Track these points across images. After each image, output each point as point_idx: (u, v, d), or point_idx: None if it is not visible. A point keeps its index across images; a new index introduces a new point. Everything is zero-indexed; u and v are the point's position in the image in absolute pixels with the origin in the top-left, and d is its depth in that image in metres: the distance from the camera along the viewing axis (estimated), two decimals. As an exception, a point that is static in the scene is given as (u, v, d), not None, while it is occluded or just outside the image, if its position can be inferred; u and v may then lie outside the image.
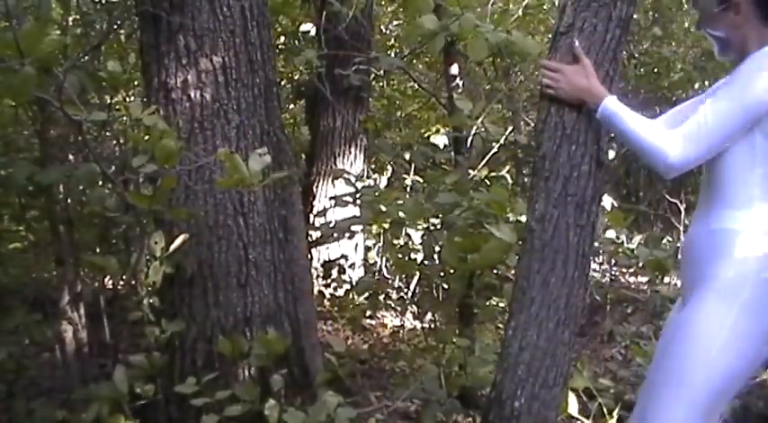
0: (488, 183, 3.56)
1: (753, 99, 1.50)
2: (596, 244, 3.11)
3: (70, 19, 2.67)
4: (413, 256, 3.36)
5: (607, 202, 3.54)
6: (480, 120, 3.17)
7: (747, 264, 1.51)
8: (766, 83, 1.49)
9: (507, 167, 4.92)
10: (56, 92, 1.70)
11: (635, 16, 1.86)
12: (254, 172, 1.74)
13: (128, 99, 3.54)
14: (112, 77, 2.00)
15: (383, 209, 2.98)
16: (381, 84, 5.60)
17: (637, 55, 6.08)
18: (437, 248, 2.95)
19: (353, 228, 3.76)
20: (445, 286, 3.21)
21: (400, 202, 2.88)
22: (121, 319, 2.68)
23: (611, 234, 3.39)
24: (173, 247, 2.08)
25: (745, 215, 1.54)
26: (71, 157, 2.72)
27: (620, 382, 3.29)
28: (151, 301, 2.14)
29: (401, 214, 2.79)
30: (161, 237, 2.08)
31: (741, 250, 1.52)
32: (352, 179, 3.68)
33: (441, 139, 4.49)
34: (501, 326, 3.26)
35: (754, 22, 1.57)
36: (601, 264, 4.89)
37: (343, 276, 4.41)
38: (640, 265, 4.41)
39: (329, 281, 4.40)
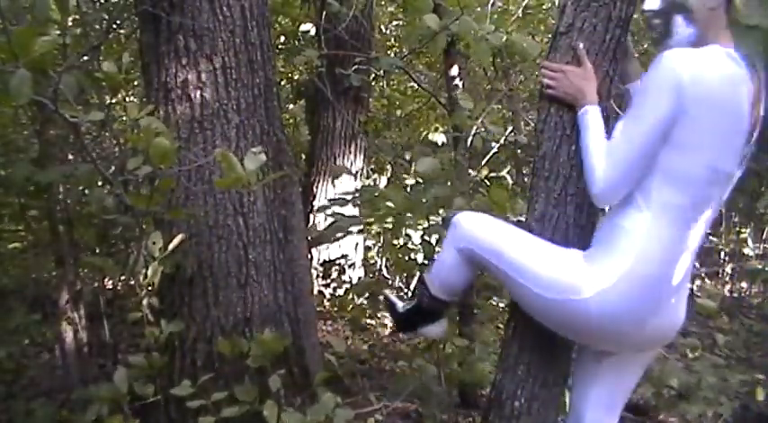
0: (488, 183, 3.56)
1: (656, 118, 1.47)
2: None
3: (69, 19, 2.66)
4: (413, 256, 3.36)
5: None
6: (480, 120, 3.17)
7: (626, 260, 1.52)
8: (666, 99, 1.45)
9: (507, 167, 4.92)
10: (53, 93, 1.69)
11: (635, 16, 1.86)
12: (249, 171, 1.73)
13: (127, 99, 3.54)
14: (110, 78, 1.99)
15: (385, 205, 2.97)
16: (381, 84, 5.60)
17: (637, 55, 6.05)
18: (437, 248, 2.95)
19: (351, 227, 3.76)
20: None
21: (390, 203, 2.87)
22: (121, 319, 2.68)
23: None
24: (171, 247, 2.07)
25: (636, 215, 1.53)
26: (70, 157, 2.72)
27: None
28: (151, 301, 2.13)
29: (392, 205, 2.77)
30: (159, 237, 2.08)
31: (624, 246, 1.52)
32: (352, 178, 3.68)
33: (439, 137, 4.49)
34: (501, 326, 3.26)
35: (717, 12, 1.55)
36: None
37: (343, 276, 4.41)
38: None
39: (329, 281, 4.40)
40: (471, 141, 3.19)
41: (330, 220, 4.14)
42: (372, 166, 5.03)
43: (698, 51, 1.47)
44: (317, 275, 4.32)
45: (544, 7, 5.70)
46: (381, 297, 2.38)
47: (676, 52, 1.47)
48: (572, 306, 1.53)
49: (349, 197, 3.24)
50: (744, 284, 4.81)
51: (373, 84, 4.92)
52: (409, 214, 2.80)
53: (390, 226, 3.28)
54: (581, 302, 1.52)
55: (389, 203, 2.75)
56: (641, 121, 1.49)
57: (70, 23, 2.60)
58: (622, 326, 1.53)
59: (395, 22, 6.42)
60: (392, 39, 6.46)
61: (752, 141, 1.55)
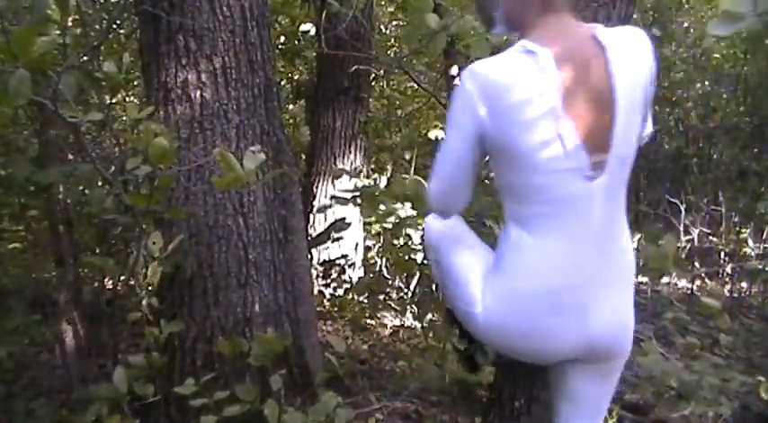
0: (488, 182, 3.55)
1: (460, 138, 1.44)
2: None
3: (69, 19, 2.66)
4: (413, 255, 3.36)
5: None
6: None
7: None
8: (466, 119, 1.41)
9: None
10: (52, 93, 1.69)
11: (635, 16, 1.86)
12: (248, 170, 1.73)
13: (127, 99, 3.54)
14: (109, 78, 2.00)
15: (382, 207, 2.97)
16: (381, 84, 5.60)
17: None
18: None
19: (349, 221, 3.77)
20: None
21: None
22: (121, 319, 2.68)
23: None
24: (170, 247, 2.07)
25: (506, 232, 1.50)
26: (70, 157, 2.72)
27: (619, 382, 3.29)
28: (150, 301, 2.13)
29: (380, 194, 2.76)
30: (159, 237, 2.08)
31: (501, 264, 1.50)
32: (352, 178, 3.69)
33: (439, 134, 4.48)
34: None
35: (534, 6, 1.45)
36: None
37: (343, 276, 4.41)
38: (641, 264, 4.41)
39: (329, 281, 4.40)
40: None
41: (330, 219, 4.15)
42: (372, 166, 5.03)
43: (491, 61, 1.39)
44: (317, 275, 4.32)
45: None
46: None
47: (470, 68, 1.41)
48: (471, 318, 1.54)
49: (349, 196, 3.24)
50: (744, 284, 4.80)
51: (373, 84, 4.92)
52: (411, 212, 2.80)
53: (390, 226, 3.28)
54: (475, 315, 1.52)
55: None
56: (448, 139, 1.48)
57: (70, 23, 2.59)
58: (510, 340, 1.51)
59: (395, 22, 6.42)
60: (392, 39, 6.47)
61: (622, 115, 1.38)
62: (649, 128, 1.60)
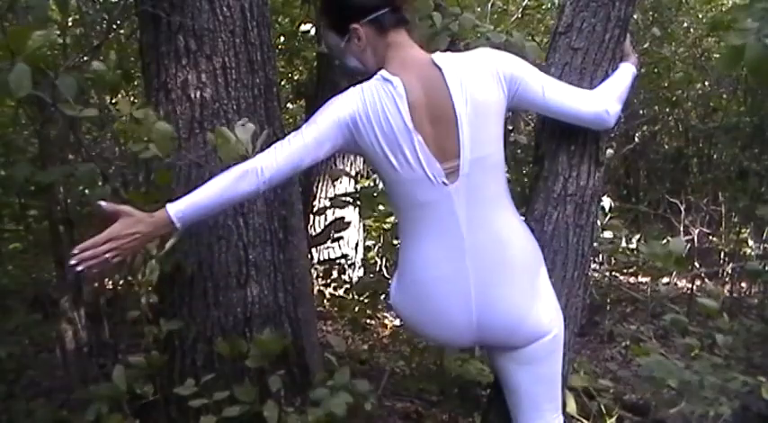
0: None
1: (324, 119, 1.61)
2: (596, 244, 3.11)
3: (70, 19, 2.67)
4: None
5: (607, 202, 3.54)
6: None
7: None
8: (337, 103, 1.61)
9: (507, 167, 4.91)
10: (52, 90, 1.69)
11: (635, 16, 1.86)
12: (243, 139, 1.78)
13: (128, 99, 3.54)
14: (100, 77, 1.99)
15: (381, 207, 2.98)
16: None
17: (637, 54, 6.06)
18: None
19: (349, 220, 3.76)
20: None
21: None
22: (121, 319, 2.68)
23: (609, 234, 3.39)
24: (168, 245, 2.07)
25: (399, 231, 1.72)
26: (71, 156, 2.72)
27: (619, 382, 3.30)
28: (150, 300, 2.13)
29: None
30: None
31: (399, 259, 1.71)
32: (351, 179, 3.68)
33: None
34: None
35: (373, 40, 1.64)
36: (601, 264, 4.89)
37: (343, 276, 4.41)
38: (641, 264, 4.41)
39: (329, 281, 4.40)
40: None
41: (329, 220, 4.15)
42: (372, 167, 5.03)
43: (362, 86, 1.60)
44: (317, 275, 4.32)
45: (543, 7, 5.71)
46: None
47: (351, 90, 1.61)
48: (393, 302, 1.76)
49: (347, 198, 3.24)
50: (744, 284, 4.80)
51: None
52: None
53: (390, 226, 3.29)
54: (393, 304, 1.75)
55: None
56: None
57: (70, 23, 2.60)
58: (416, 326, 1.73)
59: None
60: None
61: (467, 123, 1.57)
62: (609, 106, 1.71)
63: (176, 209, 1.54)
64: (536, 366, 1.70)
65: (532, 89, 1.63)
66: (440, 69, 1.58)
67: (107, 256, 1.53)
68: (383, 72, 1.59)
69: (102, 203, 1.59)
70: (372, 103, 1.57)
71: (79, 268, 1.52)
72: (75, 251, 1.52)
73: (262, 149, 1.63)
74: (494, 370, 1.82)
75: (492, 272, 1.62)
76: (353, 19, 1.63)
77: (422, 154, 1.56)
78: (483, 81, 1.59)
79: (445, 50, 1.69)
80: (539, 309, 1.65)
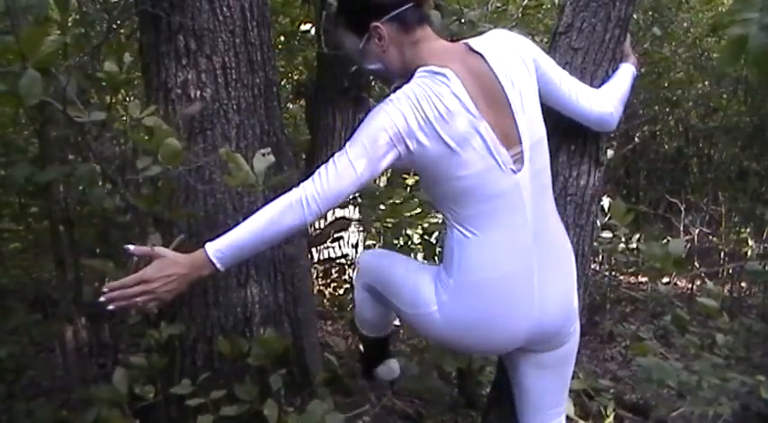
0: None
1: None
2: (596, 244, 3.11)
3: (70, 19, 2.66)
4: (413, 255, 3.35)
5: (606, 202, 3.54)
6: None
7: None
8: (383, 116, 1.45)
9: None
10: (59, 93, 1.69)
11: (635, 16, 1.86)
12: (259, 172, 1.74)
13: (128, 99, 3.54)
14: (110, 78, 1.99)
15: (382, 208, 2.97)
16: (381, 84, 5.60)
17: (637, 55, 6.06)
18: (438, 249, 2.95)
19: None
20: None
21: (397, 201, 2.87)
22: (121, 319, 2.68)
23: (608, 234, 3.39)
24: (171, 248, 2.07)
25: (451, 233, 1.58)
26: (71, 156, 2.72)
27: (619, 382, 3.30)
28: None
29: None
30: (158, 239, 2.08)
31: (452, 261, 1.58)
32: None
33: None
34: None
35: (396, 38, 1.54)
36: (601, 264, 4.89)
37: (344, 276, 4.41)
38: (641, 264, 4.41)
39: (329, 281, 4.40)
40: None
41: (329, 219, 4.15)
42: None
43: (395, 101, 1.45)
44: (317, 275, 4.32)
45: (543, 7, 5.70)
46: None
47: (401, 92, 1.46)
48: (427, 319, 1.60)
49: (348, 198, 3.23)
50: (744, 284, 4.80)
51: (373, 84, 4.92)
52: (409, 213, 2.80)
53: (390, 226, 3.28)
54: (431, 315, 1.59)
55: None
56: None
57: (70, 23, 2.60)
58: (470, 331, 1.58)
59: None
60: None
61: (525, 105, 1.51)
62: (614, 108, 1.71)
63: (215, 248, 1.43)
64: (560, 368, 1.70)
65: (551, 78, 1.60)
66: (481, 55, 1.50)
67: (138, 300, 1.42)
68: (430, 66, 1.48)
69: (131, 247, 1.45)
70: (428, 102, 1.43)
71: (109, 307, 1.44)
72: (105, 289, 1.43)
73: (275, 188, 1.59)
74: (511, 374, 1.76)
75: (551, 264, 1.57)
76: (374, 17, 1.52)
77: (491, 141, 1.46)
78: (517, 64, 1.53)
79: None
80: (575, 298, 1.65)
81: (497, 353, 1.81)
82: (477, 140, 1.45)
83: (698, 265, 4.93)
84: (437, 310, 1.57)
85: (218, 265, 1.43)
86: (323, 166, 1.46)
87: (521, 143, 1.50)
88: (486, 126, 1.45)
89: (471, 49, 1.51)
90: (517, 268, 1.53)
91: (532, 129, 1.52)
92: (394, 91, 1.48)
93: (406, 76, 1.52)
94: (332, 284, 4.38)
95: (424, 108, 1.43)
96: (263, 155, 1.74)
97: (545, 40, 4.93)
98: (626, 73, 1.80)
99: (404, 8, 1.52)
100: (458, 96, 1.44)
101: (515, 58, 1.53)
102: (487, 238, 1.51)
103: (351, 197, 3.31)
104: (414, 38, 1.54)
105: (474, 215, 1.51)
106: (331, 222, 4.00)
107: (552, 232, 1.60)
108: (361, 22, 1.55)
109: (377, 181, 4.71)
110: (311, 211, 1.43)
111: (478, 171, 1.47)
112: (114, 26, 2.65)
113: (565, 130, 1.77)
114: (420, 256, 3.29)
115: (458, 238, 1.54)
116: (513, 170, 1.49)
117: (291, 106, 5.54)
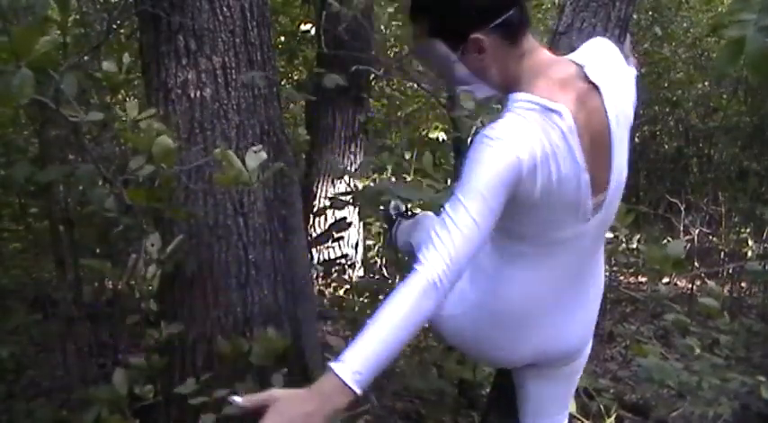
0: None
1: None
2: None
3: (70, 19, 2.67)
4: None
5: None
6: (480, 119, 3.17)
7: None
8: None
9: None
10: (54, 93, 1.69)
11: (635, 16, 1.86)
12: (251, 169, 1.74)
13: (128, 99, 3.54)
14: (109, 78, 1.99)
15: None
16: (381, 84, 5.60)
17: (637, 55, 6.08)
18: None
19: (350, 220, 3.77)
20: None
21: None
22: (121, 319, 2.68)
23: (609, 234, 3.39)
24: (169, 248, 2.07)
25: (493, 259, 1.47)
26: (71, 156, 2.72)
27: (619, 382, 3.30)
28: (149, 305, 2.12)
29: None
30: (158, 239, 2.08)
31: (482, 282, 1.50)
32: (351, 178, 3.68)
33: (440, 135, 4.48)
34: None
35: (500, 52, 1.29)
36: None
37: (344, 276, 4.41)
38: (641, 264, 4.41)
39: (329, 281, 4.40)
40: (471, 141, 3.19)
41: (330, 219, 4.15)
42: (372, 166, 5.03)
43: (519, 124, 1.22)
44: (317, 275, 4.32)
45: (543, 7, 5.70)
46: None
47: (502, 131, 1.21)
48: (435, 320, 1.52)
49: (347, 198, 3.24)
50: (744, 284, 4.80)
51: (373, 84, 4.92)
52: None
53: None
54: (440, 318, 1.51)
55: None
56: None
57: (70, 24, 2.60)
58: (474, 346, 1.55)
59: (395, 22, 6.41)
60: (392, 39, 6.46)
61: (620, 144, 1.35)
62: None
63: (352, 370, 1.13)
64: (567, 379, 1.68)
65: None
66: (596, 86, 1.29)
67: None
68: (545, 101, 1.24)
69: (237, 399, 1.14)
70: (539, 144, 1.21)
71: None
72: None
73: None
74: (515, 378, 1.73)
75: (581, 300, 1.51)
76: (476, 25, 1.25)
77: (583, 193, 1.29)
78: (625, 90, 1.35)
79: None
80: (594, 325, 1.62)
81: (499, 367, 1.81)
82: (571, 191, 1.28)
83: (698, 265, 4.93)
84: (446, 317, 1.49)
85: (358, 390, 1.14)
86: (434, 235, 1.18)
87: (607, 190, 1.34)
88: (585, 177, 1.28)
89: (585, 77, 1.30)
90: (547, 304, 1.44)
91: (621, 172, 1.36)
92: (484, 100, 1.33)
93: (506, 92, 1.32)
94: (332, 284, 4.38)
95: (536, 150, 1.21)
96: (255, 152, 1.74)
97: (545, 40, 4.93)
98: None
99: (509, 14, 1.26)
100: (568, 143, 1.24)
101: (627, 83, 1.36)
102: (531, 274, 1.40)
103: (351, 197, 3.31)
104: (520, 50, 1.30)
105: (528, 253, 1.38)
106: (332, 224, 4.01)
107: (594, 271, 1.51)
108: (457, 32, 1.28)
109: (377, 181, 4.71)
110: (445, 288, 1.17)
111: (556, 219, 1.32)
112: (114, 26, 2.65)
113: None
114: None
115: (498, 263, 1.43)
116: (587, 218, 1.34)
117: (291, 106, 5.54)
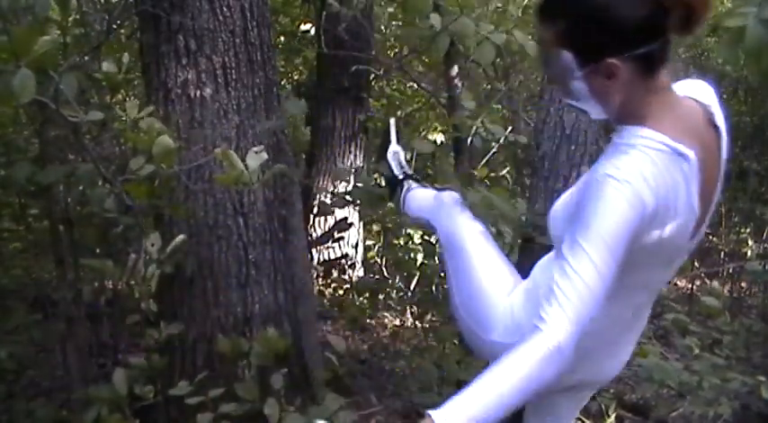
0: (488, 183, 3.56)
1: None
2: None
3: (70, 19, 2.67)
4: (413, 255, 3.36)
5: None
6: (480, 119, 3.17)
7: None
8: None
9: (507, 167, 4.92)
10: (54, 93, 1.69)
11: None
12: (252, 169, 1.74)
13: (128, 99, 3.54)
14: (109, 78, 2.00)
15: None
16: (381, 84, 5.60)
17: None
18: (437, 248, 2.95)
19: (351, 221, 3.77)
20: (445, 286, 3.21)
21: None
22: (121, 319, 2.68)
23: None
24: (169, 248, 2.07)
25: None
26: (71, 156, 2.72)
27: (619, 382, 3.30)
28: (148, 305, 2.12)
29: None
30: (158, 239, 2.08)
31: None
32: (352, 178, 3.68)
33: (438, 137, 4.48)
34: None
35: (631, 81, 1.16)
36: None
37: (344, 276, 4.41)
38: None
39: (329, 281, 4.40)
40: (471, 141, 3.19)
41: (330, 219, 4.15)
42: (373, 166, 5.04)
43: (645, 163, 1.12)
44: (317, 275, 4.32)
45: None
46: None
47: (628, 173, 1.11)
48: (476, 339, 1.47)
49: (347, 197, 3.24)
50: (744, 284, 4.80)
51: (373, 84, 4.92)
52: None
53: (390, 225, 3.29)
54: (485, 341, 1.44)
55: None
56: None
57: (70, 23, 2.60)
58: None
59: (395, 22, 6.42)
60: (392, 39, 6.47)
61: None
62: None
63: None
64: (585, 399, 1.66)
65: None
66: (719, 134, 1.22)
67: None
68: (675, 144, 1.14)
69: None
70: (665, 189, 1.12)
71: None
72: None
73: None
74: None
75: (635, 333, 1.46)
76: (615, 50, 1.13)
77: (687, 239, 1.23)
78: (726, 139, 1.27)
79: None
80: None
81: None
82: (680, 237, 1.20)
83: (698, 265, 4.93)
84: (495, 342, 1.39)
85: None
86: (556, 289, 1.08)
87: (699, 233, 1.26)
88: (693, 224, 1.21)
89: (710, 119, 1.23)
90: (611, 337, 1.37)
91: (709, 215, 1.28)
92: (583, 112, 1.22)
93: (619, 122, 1.22)
94: (332, 284, 4.38)
95: (661, 197, 1.12)
96: (256, 152, 1.74)
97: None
98: None
99: (653, 46, 1.14)
100: (689, 189, 1.16)
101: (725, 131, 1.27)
102: (603, 311, 1.18)
103: (350, 197, 3.32)
104: (652, 85, 1.17)
105: (611, 289, 1.18)
106: (334, 225, 4.01)
107: (651, 303, 1.43)
108: (593, 50, 1.15)
109: (377, 180, 4.72)
110: (570, 354, 1.08)
111: (654, 262, 1.24)
112: (114, 26, 2.65)
113: (565, 130, 1.77)
114: (420, 256, 3.30)
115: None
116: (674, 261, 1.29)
117: (291, 106, 5.53)
